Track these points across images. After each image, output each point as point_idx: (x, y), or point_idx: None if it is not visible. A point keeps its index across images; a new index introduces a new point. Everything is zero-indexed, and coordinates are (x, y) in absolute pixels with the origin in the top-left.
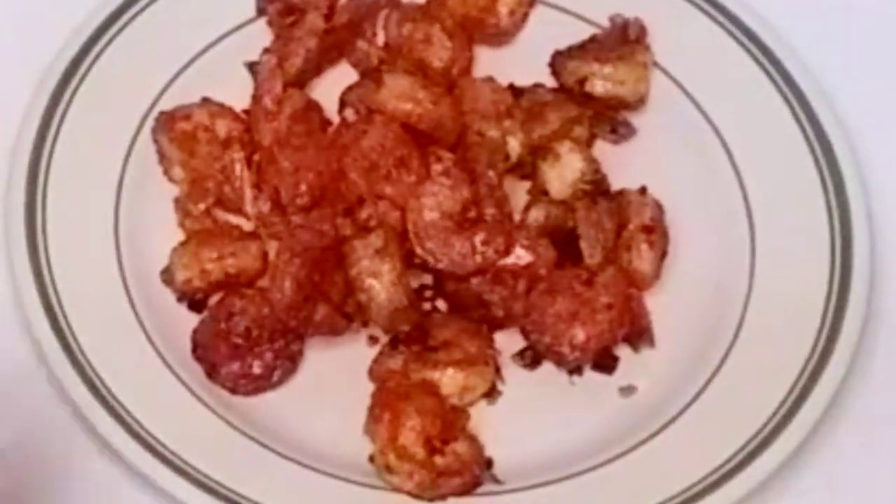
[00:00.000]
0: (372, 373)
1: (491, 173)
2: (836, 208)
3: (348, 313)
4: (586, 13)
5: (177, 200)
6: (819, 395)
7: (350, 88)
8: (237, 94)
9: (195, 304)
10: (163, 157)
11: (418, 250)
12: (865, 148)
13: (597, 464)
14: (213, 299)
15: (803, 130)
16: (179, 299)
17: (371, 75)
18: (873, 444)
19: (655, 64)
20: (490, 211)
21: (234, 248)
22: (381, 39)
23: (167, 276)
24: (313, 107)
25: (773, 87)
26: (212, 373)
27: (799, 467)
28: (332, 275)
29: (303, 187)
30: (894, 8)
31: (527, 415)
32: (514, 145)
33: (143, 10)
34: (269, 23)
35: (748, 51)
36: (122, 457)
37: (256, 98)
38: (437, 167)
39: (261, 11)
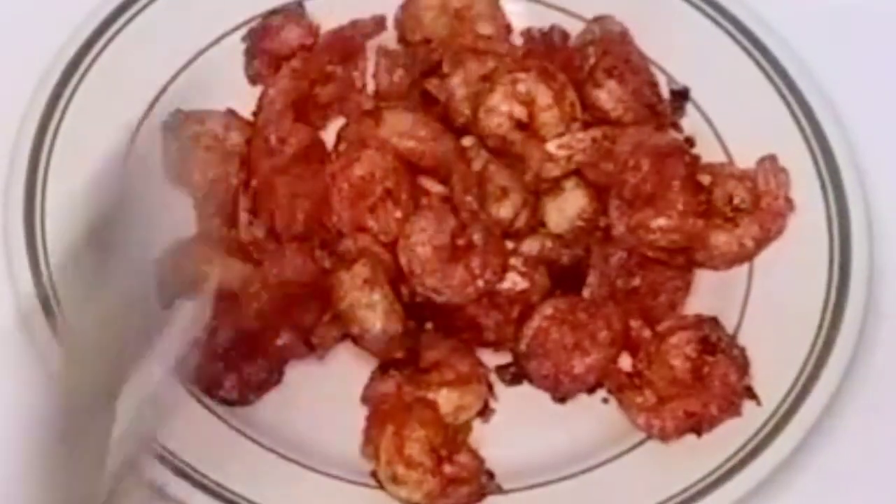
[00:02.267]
0: (365, 397)
1: (469, 198)
2: (834, 208)
3: (312, 343)
4: (584, 13)
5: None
6: (817, 396)
7: (348, 125)
8: (236, 94)
9: None
10: (166, 154)
11: (419, 289)
12: (864, 148)
13: (594, 465)
14: None
15: (802, 131)
16: None
17: (367, 113)
18: (873, 443)
19: (655, 65)
20: (477, 236)
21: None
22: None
23: None
24: (317, 143)
25: (772, 87)
26: (214, 390)
27: (796, 469)
28: (307, 305)
29: (299, 215)
30: (894, 8)
31: (521, 421)
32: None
33: (142, 9)
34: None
35: (747, 52)
36: None
37: (258, 130)
38: (424, 200)
39: (253, 80)
